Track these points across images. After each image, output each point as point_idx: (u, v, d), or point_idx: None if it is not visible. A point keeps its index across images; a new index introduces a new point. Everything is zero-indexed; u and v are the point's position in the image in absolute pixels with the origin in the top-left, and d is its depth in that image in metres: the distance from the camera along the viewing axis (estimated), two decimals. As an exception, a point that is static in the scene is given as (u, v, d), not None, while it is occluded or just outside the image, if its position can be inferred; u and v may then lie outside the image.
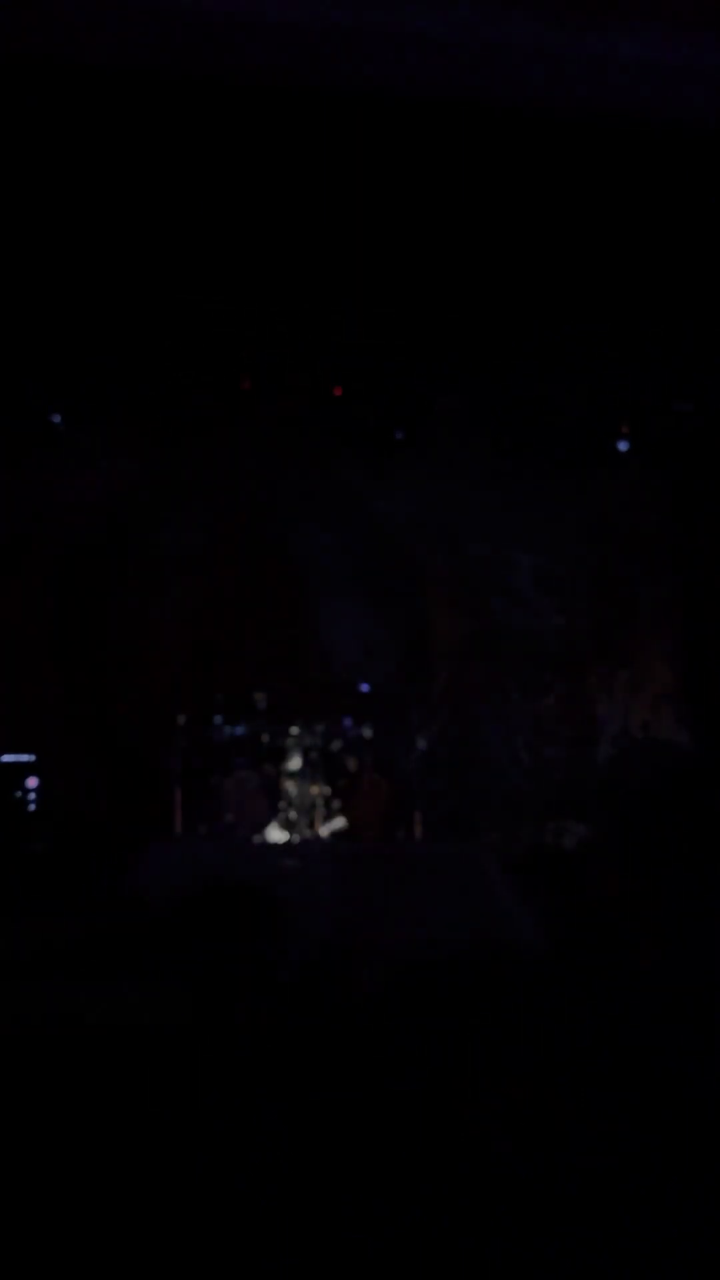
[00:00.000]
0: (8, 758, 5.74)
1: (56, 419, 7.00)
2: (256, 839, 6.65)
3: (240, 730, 6.86)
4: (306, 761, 6.87)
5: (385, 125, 5.27)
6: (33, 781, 5.63)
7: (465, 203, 5.73)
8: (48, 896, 5.00)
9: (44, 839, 6.02)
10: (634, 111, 5.18)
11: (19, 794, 5.63)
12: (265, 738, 6.88)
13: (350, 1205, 1.52)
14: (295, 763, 6.91)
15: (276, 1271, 1.48)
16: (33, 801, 5.70)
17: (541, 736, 7.50)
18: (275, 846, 6.64)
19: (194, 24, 4.22)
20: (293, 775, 6.90)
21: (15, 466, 7.09)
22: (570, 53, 4.60)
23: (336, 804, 6.87)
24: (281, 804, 6.81)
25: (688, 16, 4.48)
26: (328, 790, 6.87)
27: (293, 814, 6.81)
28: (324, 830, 6.82)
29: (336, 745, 6.95)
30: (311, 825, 6.80)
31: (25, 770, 5.69)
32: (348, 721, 6.95)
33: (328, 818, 6.87)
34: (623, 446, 7.43)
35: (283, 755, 6.93)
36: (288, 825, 6.81)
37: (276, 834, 6.78)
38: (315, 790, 6.85)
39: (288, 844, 6.67)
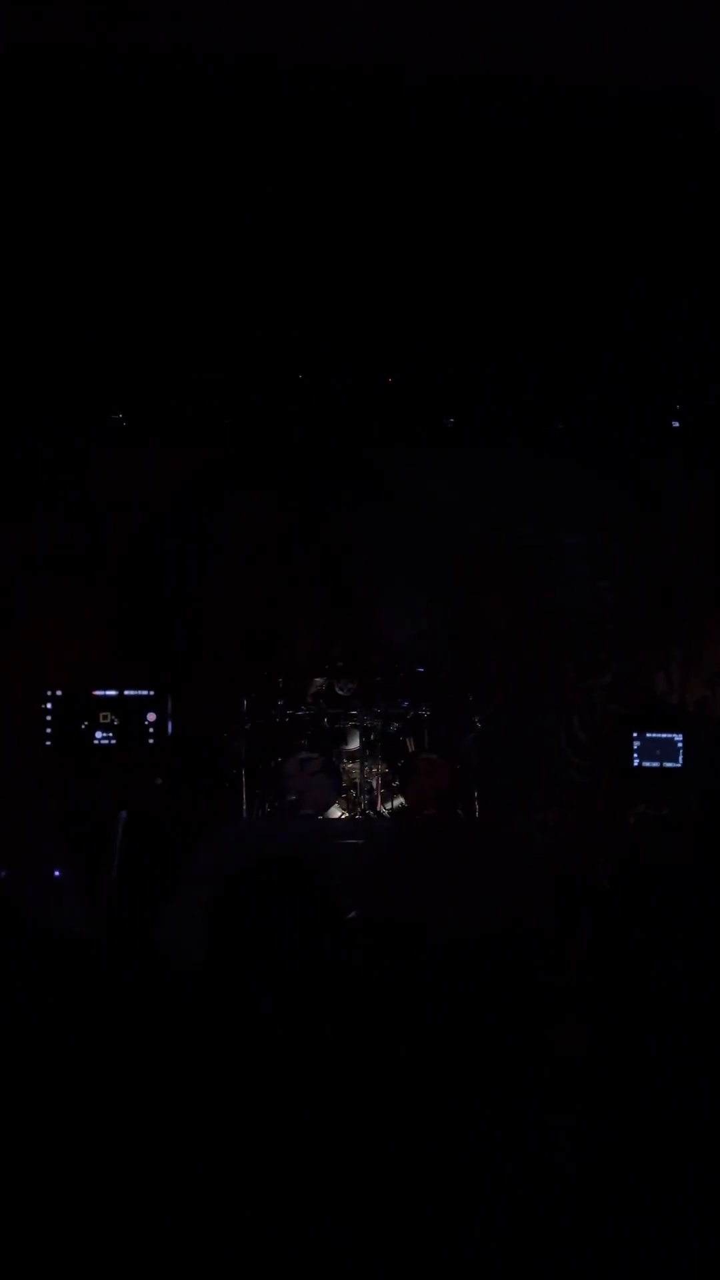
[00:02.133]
0: (129, 692, 5.92)
1: (119, 416, 7.19)
2: (319, 818, 6.83)
3: (302, 713, 7.01)
4: (366, 742, 7.01)
5: (440, 110, 5.32)
6: (152, 716, 5.81)
7: (509, 180, 5.75)
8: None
9: (164, 773, 6.21)
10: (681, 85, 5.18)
11: (141, 726, 5.81)
12: (326, 720, 7.04)
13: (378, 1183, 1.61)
14: (355, 744, 7.07)
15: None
16: (152, 735, 5.87)
17: (596, 715, 7.55)
18: (337, 824, 6.82)
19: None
20: (353, 756, 7.06)
21: (82, 463, 7.32)
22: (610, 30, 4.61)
23: (395, 783, 7.02)
24: (343, 784, 6.98)
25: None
26: (386, 770, 7.03)
27: (353, 793, 6.98)
28: (384, 809, 6.98)
29: (395, 726, 7.08)
30: (372, 804, 6.96)
31: (145, 705, 5.88)
32: (405, 703, 7.07)
33: (387, 797, 7.02)
34: (675, 425, 7.40)
35: (343, 737, 7.10)
36: (349, 804, 6.98)
37: (338, 813, 6.95)
38: (375, 770, 7.00)
39: (349, 822, 6.84)
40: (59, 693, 5.58)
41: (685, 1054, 1.78)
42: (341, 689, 6.99)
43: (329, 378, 7.15)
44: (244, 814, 6.88)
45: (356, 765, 7.01)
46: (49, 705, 5.57)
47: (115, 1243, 1.54)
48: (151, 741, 5.60)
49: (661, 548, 7.66)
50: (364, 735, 7.00)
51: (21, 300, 6.06)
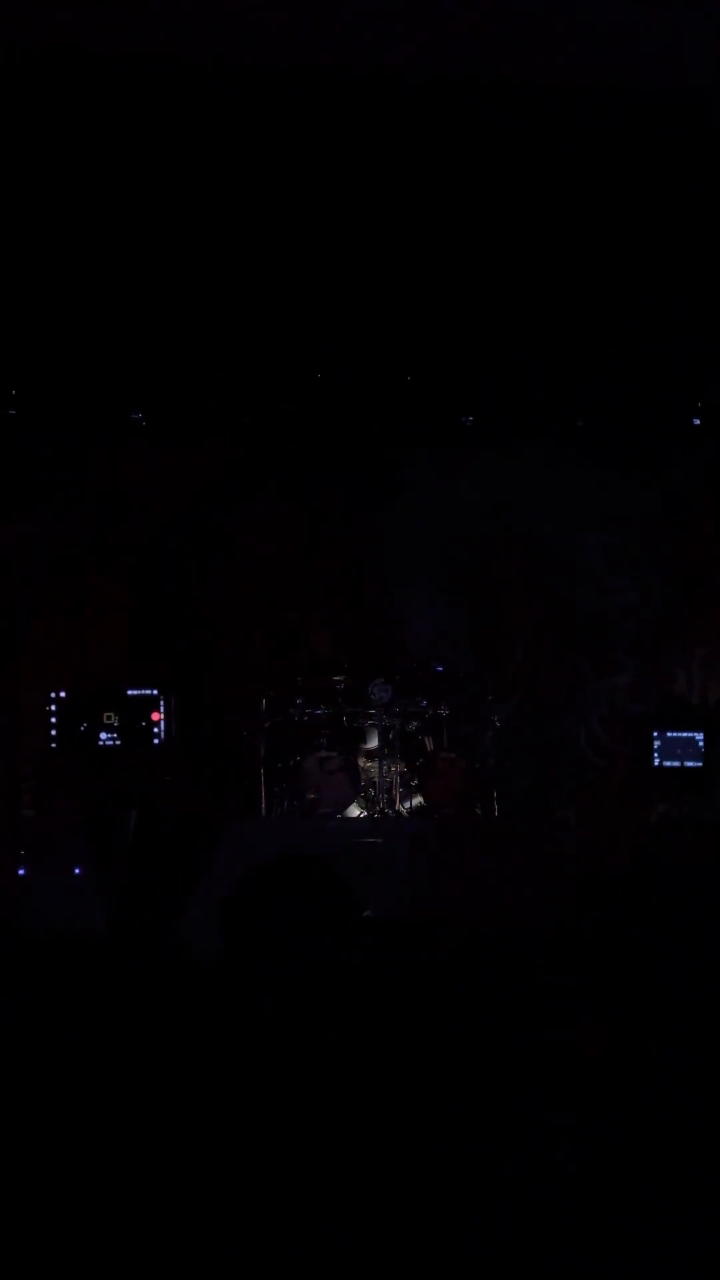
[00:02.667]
0: (133, 691, 5.92)
1: (137, 415, 7.22)
2: (338, 817, 6.84)
3: (321, 711, 7.02)
4: (384, 741, 7.01)
5: (454, 108, 5.32)
6: (157, 715, 5.83)
7: (525, 179, 5.75)
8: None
9: (170, 771, 6.22)
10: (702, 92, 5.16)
11: (144, 726, 5.83)
12: (345, 719, 7.04)
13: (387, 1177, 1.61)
14: (374, 743, 7.07)
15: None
16: (158, 735, 5.89)
17: (615, 714, 7.53)
18: (355, 823, 6.82)
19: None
20: (371, 755, 7.06)
21: (97, 463, 7.35)
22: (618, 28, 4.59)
23: (414, 782, 7.02)
24: (361, 783, 6.98)
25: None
26: (405, 769, 7.02)
27: (372, 792, 6.98)
28: (403, 808, 6.97)
29: (413, 725, 7.08)
30: (390, 803, 6.95)
31: (150, 704, 5.89)
32: (424, 702, 7.06)
33: (406, 796, 7.02)
34: (695, 421, 7.37)
35: (362, 736, 7.10)
36: (367, 803, 6.98)
37: (357, 811, 6.96)
38: (393, 769, 7.00)
39: (368, 821, 6.84)
40: (62, 694, 5.61)
41: (696, 1054, 1.77)
42: (361, 688, 6.98)
43: (347, 377, 7.16)
44: (262, 812, 6.90)
45: (375, 764, 7.01)
46: (53, 706, 5.61)
47: (116, 1242, 1.55)
48: (157, 741, 5.62)
49: (682, 546, 7.62)
50: (383, 734, 6.99)
51: (33, 300, 6.10)
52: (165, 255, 6.00)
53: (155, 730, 5.64)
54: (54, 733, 5.56)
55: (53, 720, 5.58)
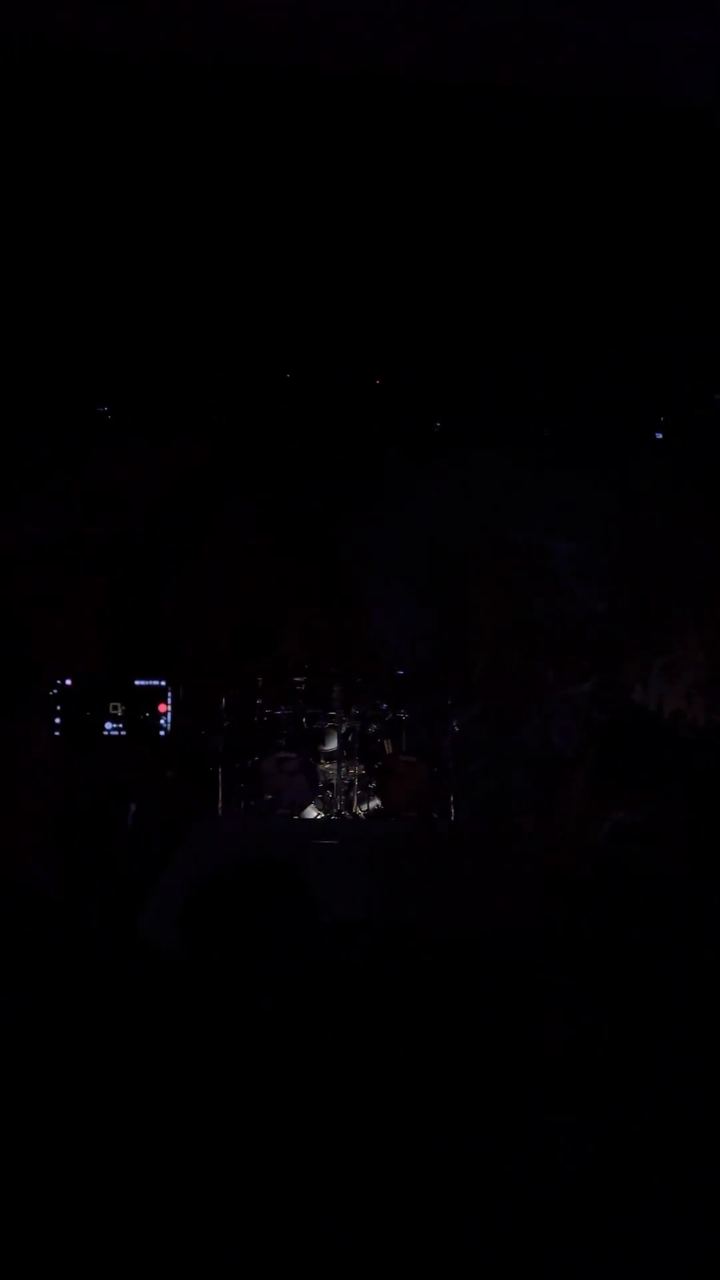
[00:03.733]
0: (140, 681, 5.79)
1: (105, 409, 7.15)
2: (295, 818, 6.81)
3: (281, 712, 6.99)
4: (344, 743, 7.00)
5: (436, 113, 5.34)
6: (164, 707, 5.70)
7: (500, 186, 5.78)
8: None
9: (175, 765, 6.10)
10: (671, 93, 5.22)
11: (150, 717, 5.70)
12: (305, 720, 7.02)
13: (357, 1187, 1.60)
14: (333, 744, 7.05)
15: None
16: (164, 727, 5.77)
17: (578, 721, 7.58)
18: (312, 825, 6.80)
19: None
20: (331, 757, 7.04)
21: (67, 457, 7.27)
22: (588, 42, 4.65)
23: (373, 785, 7.01)
24: (320, 784, 6.96)
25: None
26: (364, 771, 7.01)
27: (330, 794, 6.96)
28: (360, 810, 6.96)
29: (374, 728, 7.07)
30: (349, 805, 6.94)
31: (158, 695, 5.76)
32: (385, 705, 7.06)
33: (364, 798, 7.01)
34: (660, 435, 7.45)
35: (321, 737, 7.08)
36: (325, 805, 6.96)
37: (314, 813, 6.93)
38: (352, 771, 6.99)
39: (325, 823, 6.82)
40: (68, 682, 5.51)
41: (676, 1053, 1.78)
42: (322, 689, 6.96)
43: (322, 378, 7.15)
44: (219, 811, 6.85)
45: (334, 766, 6.99)
46: (56, 694, 5.50)
47: (115, 1243, 1.53)
48: (163, 734, 5.53)
49: (649, 558, 7.70)
50: (343, 736, 6.98)
51: (16, 296, 6.03)
52: (141, 250, 5.95)
53: (162, 722, 5.55)
54: (58, 720, 5.45)
55: (57, 708, 5.46)
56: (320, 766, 6.99)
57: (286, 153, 5.39)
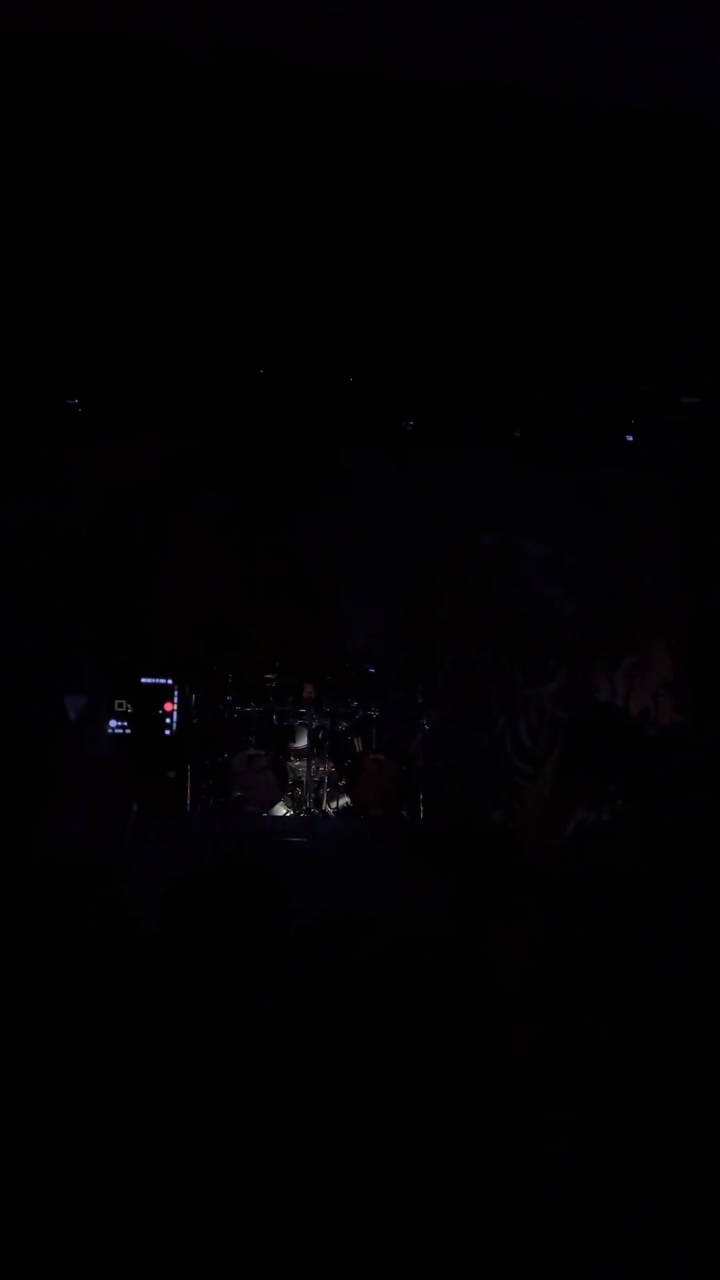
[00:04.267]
0: (146, 679, 5.67)
1: (75, 401, 7.09)
2: (264, 815, 6.80)
3: (251, 709, 6.97)
4: (314, 741, 7.00)
5: (397, 113, 5.34)
6: (170, 705, 5.60)
7: (475, 192, 5.79)
8: None
9: (177, 766, 5.99)
10: (638, 102, 5.26)
11: (157, 715, 5.58)
12: (275, 717, 7.00)
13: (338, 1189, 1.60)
14: (303, 742, 7.05)
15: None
16: (170, 725, 5.65)
17: (544, 721, 7.63)
18: (282, 822, 6.79)
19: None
20: (300, 754, 7.04)
21: (33, 451, 7.21)
22: (587, 47, 4.68)
23: (342, 782, 7.02)
24: (289, 782, 6.95)
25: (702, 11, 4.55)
26: (334, 769, 7.02)
27: (299, 792, 6.95)
28: (329, 808, 6.96)
29: (343, 726, 7.08)
30: (318, 803, 6.94)
31: (164, 693, 5.65)
32: (355, 703, 7.07)
33: (333, 796, 7.01)
34: (630, 438, 7.51)
35: (291, 735, 7.07)
36: (294, 803, 6.96)
37: (283, 811, 6.93)
38: (322, 769, 6.99)
39: (294, 820, 6.82)
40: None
41: (643, 1049, 1.80)
42: (292, 687, 6.96)
43: (290, 377, 7.13)
44: (188, 809, 6.83)
45: (303, 764, 6.99)
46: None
47: (115, 1242, 1.52)
48: (169, 733, 5.46)
49: (617, 559, 7.76)
50: (313, 734, 6.98)
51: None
52: (115, 247, 5.90)
53: (168, 720, 5.48)
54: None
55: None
56: (290, 764, 6.98)
57: (266, 150, 5.36)
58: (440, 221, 5.99)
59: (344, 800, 7.01)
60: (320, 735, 6.98)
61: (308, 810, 6.89)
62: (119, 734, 5.45)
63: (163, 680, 5.52)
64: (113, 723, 5.46)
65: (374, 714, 7.08)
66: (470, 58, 4.49)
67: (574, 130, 5.51)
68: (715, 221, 5.85)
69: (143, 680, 5.54)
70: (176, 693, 5.65)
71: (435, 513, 7.61)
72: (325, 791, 6.97)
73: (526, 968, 2.17)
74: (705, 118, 5.37)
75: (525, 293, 6.31)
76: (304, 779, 6.95)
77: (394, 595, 7.59)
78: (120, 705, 5.46)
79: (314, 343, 6.79)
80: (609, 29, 4.18)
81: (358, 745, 7.12)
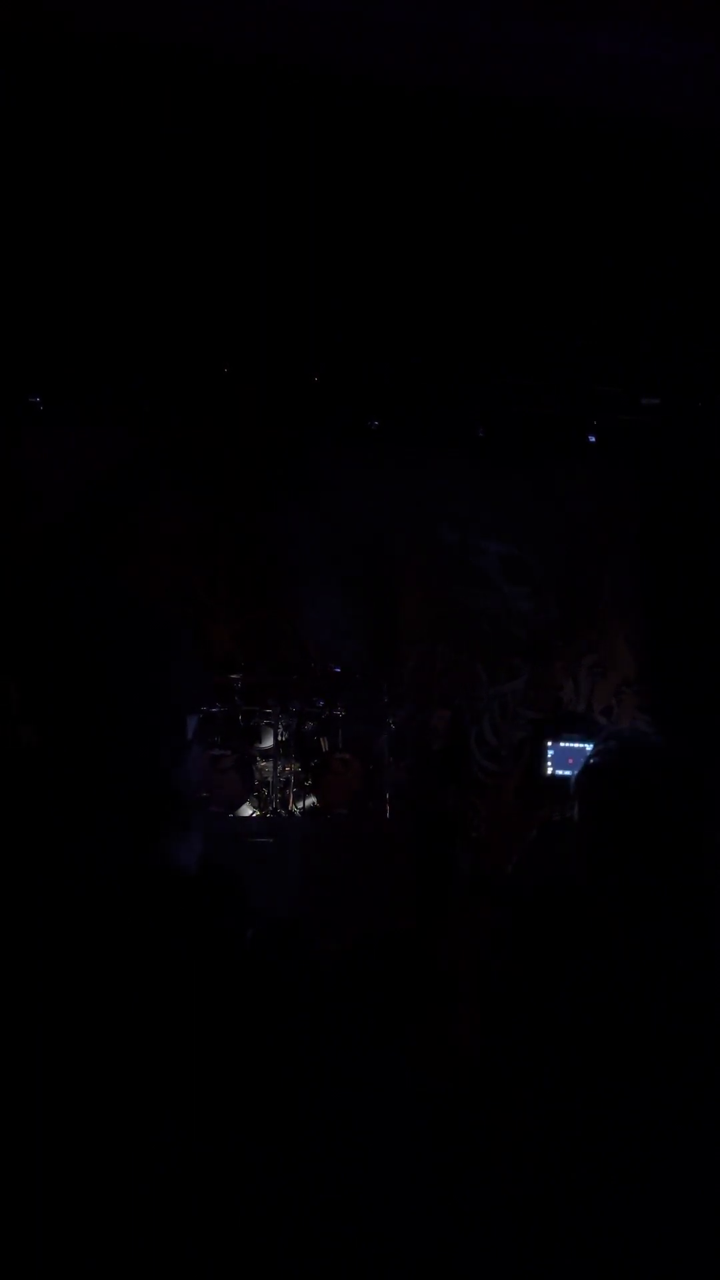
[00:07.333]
0: None
1: (36, 399, 7.02)
2: (229, 816, 6.76)
3: (216, 709, 6.93)
4: (280, 741, 6.98)
5: (377, 115, 5.34)
6: None
7: (436, 195, 5.82)
8: None
9: None
10: (591, 103, 5.32)
11: None
12: (240, 717, 6.97)
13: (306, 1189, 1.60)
14: (268, 742, 7.03)
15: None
16: None
17: (508, 719, 7.67)
18: (247, 823, 6.75)
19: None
20: (266, 754, 7.01)
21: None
22: (568, 50, 4.71)
23: (308, 782, 7.00)
24: (255, 782, 6.92)
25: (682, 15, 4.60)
26: (299, 769, 7.00)
27: (265, 792, 6.93)
28: (296, 808, 6.94)
29: (309, 725, 7.06)
30: (284, 803, 6.92)
31: None
32: (321, 702, 7.05)
33: (299, 796, 6.99)
34: (592, 439, 7.58)
35: (256, 734, 7.04)
36: (260, 803, 6.93)
37: (249, 811, 6.90)
38: (288, 769, 6.97)
39: (260, 820, 6.79)
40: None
41: (596, 1052, 1.81)
42: (257, 686, 6.93)
43: (255, 373, 7.11)
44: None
45: (269, 763, 6.96)
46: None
47: (115, 1243, 1.52)
48: None
49: (578, 558, 7.82)
50: (278, 733, 6.96)
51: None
52: (81, 241, 5.85)
53: None
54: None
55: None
56: (256, 764, 6.95)
57: (231, 152, 5.35)
58: (403, 223, 6.00)
59: (310, 800, 7.00)
60: (286, 735, 6.96)
61: (274, 810, 6.86)
62: None
63: None
64: None
65: (340, 713, 7.07)
66: (429, 59, 4.52)
67: (535, 132, 5.56)
68: (677, 223, 5.93)
69: None
70: None
71: (399, 512, 7.62)
72: (291, 792, 6.95)
73: (482, 967, 2.19)
74: (661, 119, 5.45)
75: (489, 294, 6.35)
76: (270, 779, 6.93)
77: (359, 594, 7.58)
78: None
79: (278, 342, 6.78)
80: (553, 30, 4.22)
81: (324, 745, 7.10)
